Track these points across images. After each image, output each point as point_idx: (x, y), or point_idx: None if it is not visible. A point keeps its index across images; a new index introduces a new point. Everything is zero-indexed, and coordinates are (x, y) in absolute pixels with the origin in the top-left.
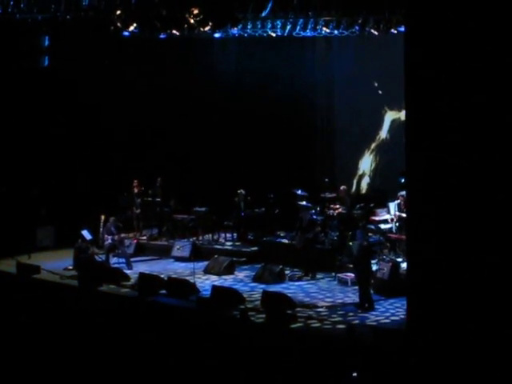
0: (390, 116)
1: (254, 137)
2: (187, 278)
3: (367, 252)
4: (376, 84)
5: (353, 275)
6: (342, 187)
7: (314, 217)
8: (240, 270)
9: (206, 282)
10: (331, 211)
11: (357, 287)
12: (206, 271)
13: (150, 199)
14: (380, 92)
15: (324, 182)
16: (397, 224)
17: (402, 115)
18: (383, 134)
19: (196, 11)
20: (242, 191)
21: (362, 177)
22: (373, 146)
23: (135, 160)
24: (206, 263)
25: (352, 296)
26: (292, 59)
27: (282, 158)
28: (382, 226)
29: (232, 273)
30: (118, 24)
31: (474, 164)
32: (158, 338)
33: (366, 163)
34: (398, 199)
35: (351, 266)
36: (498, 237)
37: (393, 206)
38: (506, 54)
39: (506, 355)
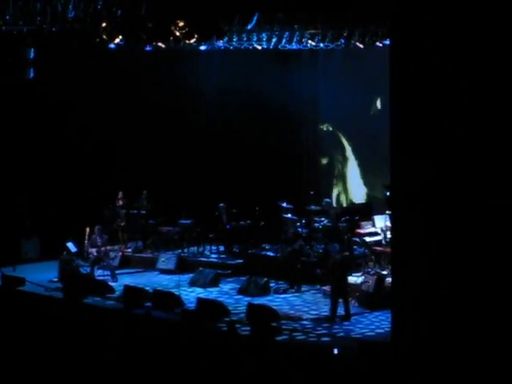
0: (374, 129)
1: (239, 149)
2: (172, 290)
3: (342, 265)
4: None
5: None
6: (326, 200)
7: (300, 229)
8: (225, 282)
9: (191, 295)
10: (316, 224)
11: (341, 300)
12: (191, 284)
13: (135, 211)
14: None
15: (309, 195)
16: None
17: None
18: (369, 145)
19: (181, 23)
20: (222, 205)
21: (347, 189)
22: (359, 158)
23: (121, 172)
24: (191, 276)
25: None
26: (277, 72)
27: (268, 171)
28: (368, 239)
29: (217, 285)
30: (104, 36)
31: (459, 176)
32: (142, 350)
33: (352, 176)
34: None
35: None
36: (485, 248)
37: (378, 218)
38: (493, 67)
39: (492, 368)
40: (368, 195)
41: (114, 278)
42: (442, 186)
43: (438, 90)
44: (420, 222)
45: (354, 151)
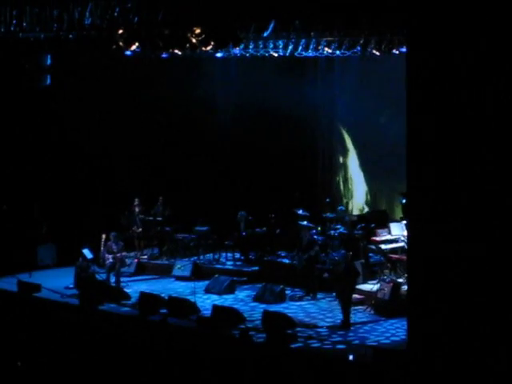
0: (391, 136)
1: (255, 157)
2: (188, 297)
3: (349, 273)
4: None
5: (357, 296)
6: (340, 207)
7: (315, 237)
8: (241, 289)
9: (206, 302)
10: (332, 231)
11: (357, 307)
12: (207, 290)
13: (151, 218)
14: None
15: (325, 202)
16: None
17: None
18: (385, 153)
19: (198, 30)
20: (243, 212)
21: (363, 197)
22: (374, 165)
23: (137, 179)
24: (206, 282)
25: (352, 316)
26: (293, 80)
27: (284, 178)
28: (384, 247)
29: (233, 292)
30: (120, 43)
31: (476, 182)
32: (158, 357)
33: (368, 183)
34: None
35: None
36: (502, 256)
37: (394, 226)
38: (509, 75)
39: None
40: (383, 202)
41: (117, 284)
42: (458, 192)
43: (455, 98)
44: (436, 229)
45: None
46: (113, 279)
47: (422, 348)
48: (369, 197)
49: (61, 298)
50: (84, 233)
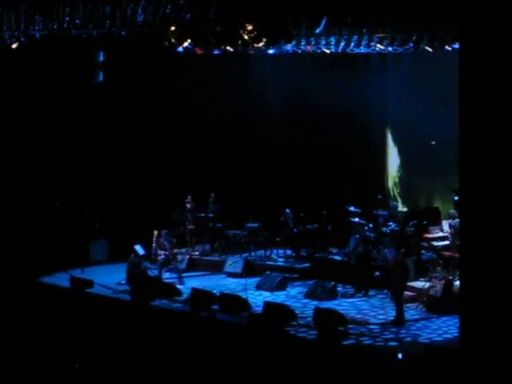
0: (443, 132)
1: (307, 153)
2: (239, 293)
3: (400, 269)
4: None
5: (409, 293)
6: (393, 203)
7: (367, 233)
8: (292, 286)
9: (258, 298)
10: (384, 228)
11: (409, 305)
12: (258, 287)
13: (202, 215)
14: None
15: (377, 199)
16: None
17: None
18: (436, 149)
19: (250, 27)
20: (289, 210)
21: (414, 193)
22: (426, 161)
23: (189, 175)
24: (258, 279)
25: (404, 313)
26: (346, 76)
27: (336, 175)
28: (436, 244)
29: (284, 289)
30: (173, 40)
31: None
32: (210, 353)
33: (419, 179)
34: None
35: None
36: None
37: (447, 223)
38: None
39: None
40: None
41: (181, 280)
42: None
43: (509, 95)
44: (489, 226)
45: (420, 154)
46: (165, 275)
47: (474, 346)
48: (409, 194)
49: (113, 293)
50: (136, 229)
